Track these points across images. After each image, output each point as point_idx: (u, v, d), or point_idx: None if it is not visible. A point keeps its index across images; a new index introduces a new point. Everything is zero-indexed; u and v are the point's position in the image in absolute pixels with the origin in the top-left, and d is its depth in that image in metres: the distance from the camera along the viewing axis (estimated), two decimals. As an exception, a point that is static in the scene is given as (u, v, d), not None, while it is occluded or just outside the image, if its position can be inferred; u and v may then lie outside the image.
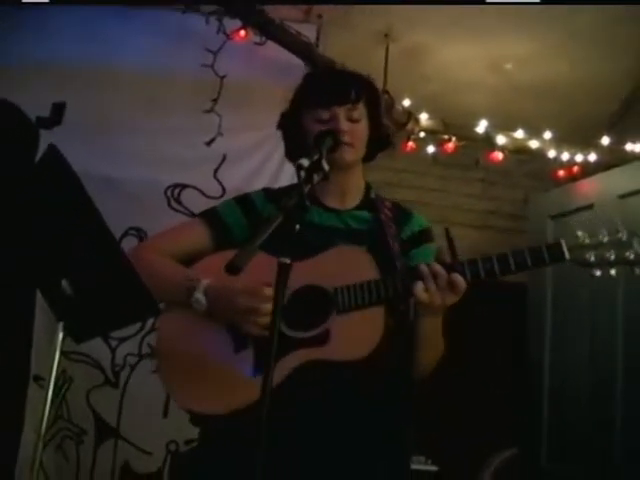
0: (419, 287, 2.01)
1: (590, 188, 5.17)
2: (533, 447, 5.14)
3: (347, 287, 2.07)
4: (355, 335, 2.04)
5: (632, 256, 1.96)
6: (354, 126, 2.29)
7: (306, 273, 2.09)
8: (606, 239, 1.98)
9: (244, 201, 2.42)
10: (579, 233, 2.01)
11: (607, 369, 4.71)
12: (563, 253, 1.99)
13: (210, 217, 2.40)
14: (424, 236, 2.40)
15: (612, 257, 1.97)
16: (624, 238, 1.97)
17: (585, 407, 4.82)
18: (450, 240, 2.18)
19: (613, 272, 1.99)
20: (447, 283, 2.00)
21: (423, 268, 2.02)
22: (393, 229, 2.33)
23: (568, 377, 5.03)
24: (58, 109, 4.57)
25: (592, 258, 1.98)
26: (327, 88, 2.36)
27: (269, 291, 1.99)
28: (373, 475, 2.11)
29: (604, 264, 1.98)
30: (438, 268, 2.02)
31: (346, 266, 2.12)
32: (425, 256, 2.32)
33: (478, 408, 5.53)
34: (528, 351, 5.37)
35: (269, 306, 1.95)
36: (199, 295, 2.14)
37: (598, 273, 1.98)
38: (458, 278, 2.00)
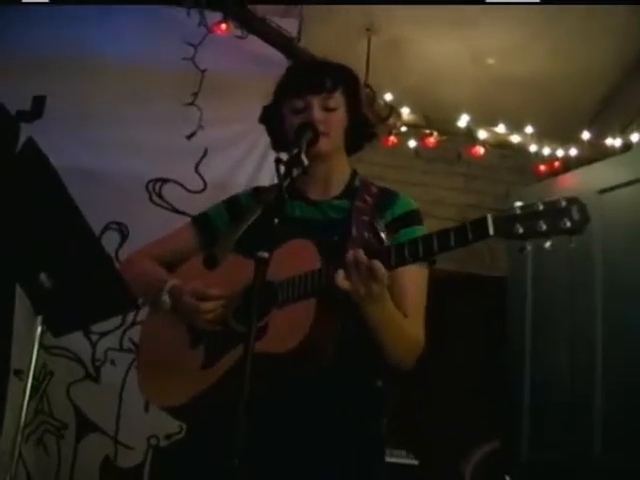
0: (340, 275, 1.94)
1: (571, 183, 5.19)
2: (514, 439, 5.17)
3: (287, 280, 2.06)
4: (286, 327, 2.03)
5: (568, 224, 1.73)
6: (329, 115, 2.27)
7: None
8: (541, 207, 1.77)
9: (232, 203, 2.44)
10: (516, 204, 1.81)
11: (586, 360, 4.74)
12: (487, 229, 1.82)
13: (199, 220, 2.45)
14: (409, 218, 2.33)
15: (543, 227, 1.75)
16: (562, 205, 1.75)
17: (565, 398, 4.85)
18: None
19: (548, 244, 1.77)
20: (367, 269, 1.91)
21: (348, 255, 1.95)
22: (367, 216, 2.29)
23: (548, 369, 5.06)
24: (39, 102, 4.55)
25: (520, 230, 1.78)
26: (303, 78, 2.35)
27: (211, 291, 2.14)
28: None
29: (534, 235, 1.77)
30: (359, 254, 1.93)
31: (293, 259, 2.10)
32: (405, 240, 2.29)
33: (459, 401, 5.55)
34: (508, 344, 5.40)
35: (209, 304, 2.13)
36: (164, 296, 2.22)
37: (529, 247, 1.79)
38: (376, 264, 1.90)
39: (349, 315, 2.04)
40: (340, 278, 1.94)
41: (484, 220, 1.83)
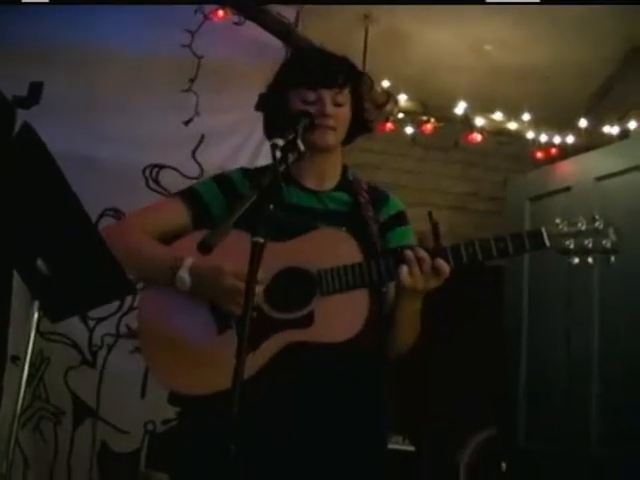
0: (404, 271, 2.02)
1: (568, 170, 5.20)
2: (510, 427, 5.18)
3: (331, 269, 2.07)
4: (339, 317, 2.05)
5: (608, 244, 2.02)
6: (338, 110, 2.29)
7: (288, 255, 2.10)
8: (584, 227, 2.03)
9: (222, 180, 2.40)
10: (557, 220, 2.06)
11: (583, 349, 4.77)
12: (544, 241, 2.04)
13: (189, 196, 2.38)
14: (400, 218, 2.40)
15: (590, 245, 2.03)
16: (601, 227, 2.03)
17: (562, 386, 4.88)
18: (435, 225, 2.19)
19: (590, 260, 2.05)
20: (431, 268, 2.03)
21: (408, 253, 2.04)
22: (371, 212, 2.33)
23: (545, 357, 5.08)
24: (35, 88, 4.53)
25: (571, 246, 2.04)
26: (315, 69, 2.34)
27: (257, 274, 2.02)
28: (354, 456, 2.11)
29: (582, 252, 2.04)
30: (423, 253, 2.03)
31: (328, 248, 2.13)
32: (401, 238, 2.34)
33: (456, 388, 5.56)
34: (505, 331, 5.41)
35: (255, 288, 1.92)
36: (183, 274, 2.11)
37: (577, 260, 2.05)
38: (442, 263, 2.03)
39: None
40: (404, 273, 2.03)
41: (540, 232, 2.05)
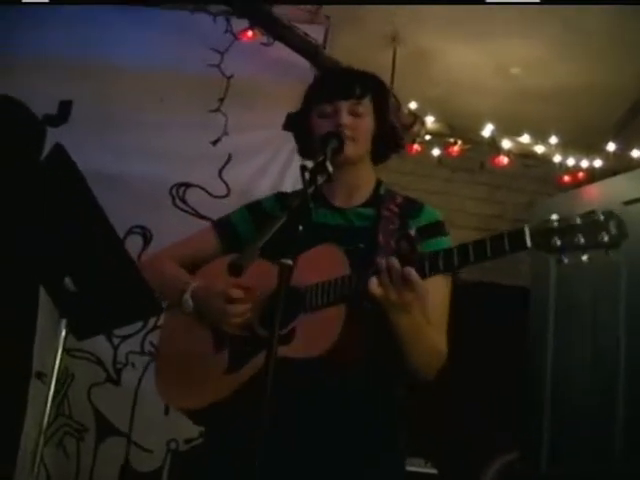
0: (373, 282, 1.94)
1: (595, 194, 5.16)
2: (534, 451, 5.14)
3: (316, 285, 2.06)
4: (315, 333, 2.02)
5: (606, 238, 1.74)
6: (357, 120, 2.27)
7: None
8: (578, 221, 1.77)
9: (255, 208, 2.44)
10: (552, 217, 1.81)
11: (609, 373, 4.71)
12: (524, 240, 1.81)
13: (222, 227, 2.44)
14: (434, 229, 2.31)
15: (582, 241, 1.76)
16: (600, 219, 1.76)
17: (587, 411, 4.82)
18: (407, 235, 2.12)
19: (585, 258, 1.78)
20: (401, 277, 1.92)
21: (380, 262, 1.95)
22: (394, 225, 2.30)
23: (570, 380, 5.02)
24: (65, 107, 4.58)
25: (558, 243, 1.78)
26: (333, 84, 2.36)
27: (237, 293, 2.11)
28: (344, 466, 2.09)
29: (572, 249, 1.78)
30: (393, 262, 1.93)
31: (320, 264, 2.10)
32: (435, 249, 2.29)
33: (479, 411, 5.53)
34: (530, 354, 5.37)
35: (238, 307, 2.11)
36: (187, 296, 2.21)
37: (566, 260, 1.80)
38: (411, 272, 1.91)
39: (375, 324, 2.04)
40: (373, 285, 1.94)
41: (521, 231, 1.82)
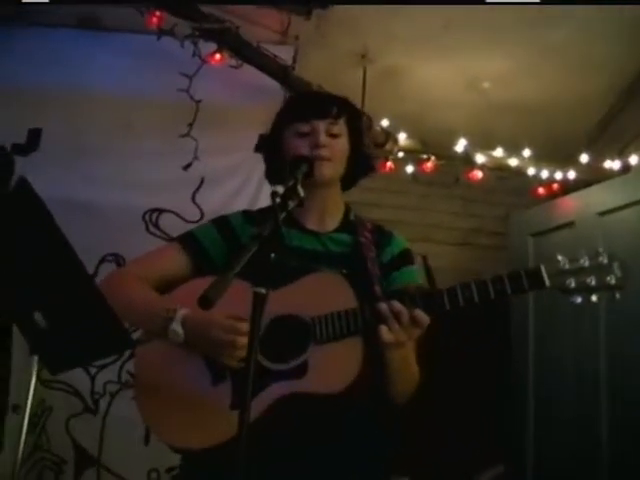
0: (383, 330, 1.97)
1: (570, 205, 5.18)
2: (519, 465, 5.12)
3: (325, 317, 2.03)
4: (333, 367, 2.00)
5: (613, 281, 1.90)
6: (333, 141, 2.28)
7: (284, 301, 2.06)
8: (587, 263, 1.93)
9: (222, 223, 2.39)
10: (559, 257, 1.95)
11: (592, 387, 4.70)
12: (543, 280, 1.95)
13: (187, 241, 2.37)
14: (404, 258, 2.37)
15: (593, 283, 1.91)
16: (605, 262, 1.92)
17: (570, 426, 4.81)
18: (428, 269, 2.15)
19: (594, 298, 1.94)
20: (410, 320, 1.96)
21: (384, 309, 1.98)
22: (373, 252, 2.30)
23: (553, 395, 5.02)
24: (34, 135, 4.54)
25: (572, 284, 1.93)
26: (309, 104, 2.37)
27: (245, 326, 1.93)
28: None
29: (584, 290, 1.93)
30: (398, 307, 1.97)
31: (323, 293, 2.09)
32: (406, 278, 2.30)
33: (463, 427, 5.50)
34: (513, 369, 5.36)
35: (245, 339, 1.88)
36: (176, 327, 2.08)
37: (579, 300, 1.94)
38: (420, 315, 1.96)
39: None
40: (384, 332, 1.97)
41: (539, 271, 1.94)
